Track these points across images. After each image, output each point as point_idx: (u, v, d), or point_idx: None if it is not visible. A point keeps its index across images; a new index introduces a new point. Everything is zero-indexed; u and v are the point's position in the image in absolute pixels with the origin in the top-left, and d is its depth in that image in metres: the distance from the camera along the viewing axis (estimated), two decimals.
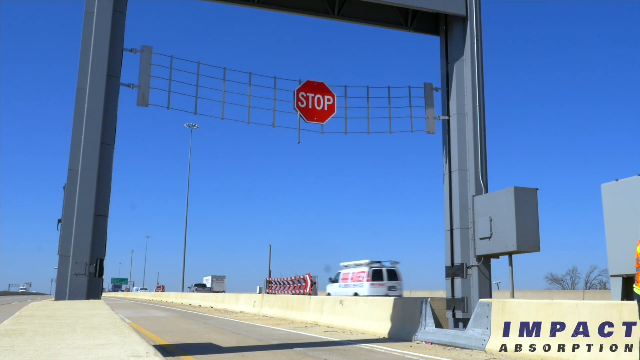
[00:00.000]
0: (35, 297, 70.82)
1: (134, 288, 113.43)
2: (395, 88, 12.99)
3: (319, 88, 12.37)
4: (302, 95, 12.18)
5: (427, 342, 11.94)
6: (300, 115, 12.11)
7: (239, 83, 11.86)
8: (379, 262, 26.87)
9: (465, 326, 11.62)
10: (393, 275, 26.38)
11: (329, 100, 12.36)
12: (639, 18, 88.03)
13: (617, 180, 11.57)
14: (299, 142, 12.15)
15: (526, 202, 11.25)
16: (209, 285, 62.81)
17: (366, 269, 26.29)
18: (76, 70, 10.37)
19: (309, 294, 26.01)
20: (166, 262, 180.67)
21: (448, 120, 13.10)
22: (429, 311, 12.59)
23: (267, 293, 31.87)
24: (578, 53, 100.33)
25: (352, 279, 27.29)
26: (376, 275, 26.01)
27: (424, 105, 13.07)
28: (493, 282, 12.71)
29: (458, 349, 10.85)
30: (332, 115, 12.35)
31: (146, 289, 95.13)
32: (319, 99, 12.28)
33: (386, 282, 25.92)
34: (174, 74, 11.26)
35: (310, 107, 12.18)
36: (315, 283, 27.93)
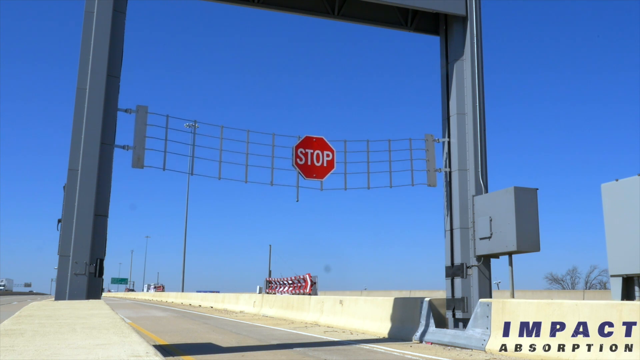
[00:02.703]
0: (35, 297, 70.78)
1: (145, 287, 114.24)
2: (395, 141, 12.74)
3: (318, 144, 12.08)
4: (301, 152, 11.89)
5: (427, 342, 11.94)
6: (299, 173, 11.80)
7: (236, 141, 11.60)
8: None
9: (465, 326, 11.62)
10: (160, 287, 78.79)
11: (328, 155, 12.08)
12: (639, 18, 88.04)
13: (617, 180, 11.56)
14: (297, 201, 11.89)
15: (526, 202, 11.25)
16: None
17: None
18: (76, 70, 10.37)
19: (309, 294, 26.01)
20: (166, 262, 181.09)
21: (449, 173, 12.91)
22: (429, 311, 12.60)
23: (267, 293, 31.87)
24: (578, 53, 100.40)
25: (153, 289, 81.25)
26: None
27: (425, 157, 12.82)
28: (493, 282, 12.71)
29: (458, 349, 10.85)
30: (331, 172, 12.07)
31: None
32: (318, 154, 12.00)
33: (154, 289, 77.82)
34: (170, 134, 10.95)
35: (309, 163, 11.88)
36: (315, 283, 27.94)
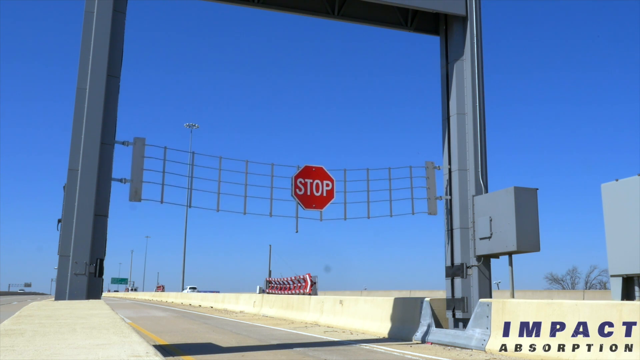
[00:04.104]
0: (35, 297, 70.81)
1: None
2: (395, 169, 12.61)
3: (318, 173, 11.95)
4: (300, 182, 11.75)
5: (427, 342, 11.94)
6: (298, 203, 11.68)
7: (235, 172, 11.47)
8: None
9: (465, 326, 11.62)
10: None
11: (327, 185, 11.94)
12: (639, 18, 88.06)
13: (617, 180, 11.56)
14: (297, 232, 11.78)
15: (526, 202, 11.25)
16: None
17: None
18: (76, 70, 10.37)
19: (309, 294, 26.01)
20: (166, 262, 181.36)
21: (450, 201, 12.74)
22: (428, 311, 12.60)
23: (267, 293, 31.87)
24: (578, 53, 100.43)
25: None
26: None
27: (426, 185, 12.66)
28: (493, 282, 12.71)
29: (458, 349, 10.85)
30: (331, 201, 11.93)
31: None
32: (317, 184, 11.86)
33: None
34: (168, 165, 10.75)
35: (308, 193, 11.74)
36: (315, 283, 27.94)
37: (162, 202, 10.76)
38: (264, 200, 11.64)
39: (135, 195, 10.44)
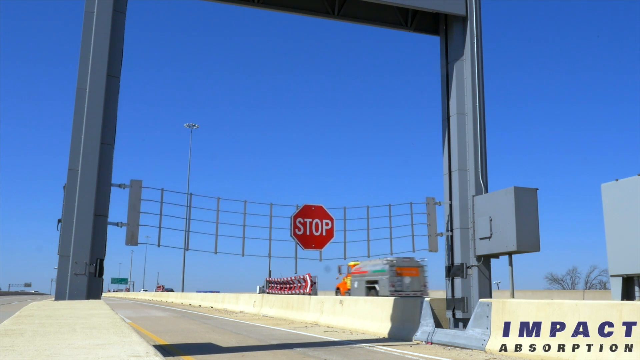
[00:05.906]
0: (35, 297, 70.81)
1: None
2: (396, 205, 12.53)
3: (317, 212, 11.84)
4: (300, 222, 11.64)
5: (427, 342, 11.94)
6: (297, 243, 11.59)
7: (233, 213, 11.36)
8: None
9: (465, 326, 11.62)
10: None
11: (327, 224, 11.85)
12: (639, 18, 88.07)
13: (617, 180, 11.56)
14: (295, 273, 11.85)
15: (526, 202, 11.24)
16: None
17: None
18: (76, 70, 10.36)
19: (309, 294, 26.01)
20: (166, 262, 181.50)
21: (451, 237, 12.60)
22: (429, 311, 12.60)
23: (267, 293, 31.88)
24: (578, 53, 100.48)
25: None
26: None
27: (427, 222, 12.55)
28: (493, 282, 12.71)
29: (458, 349, 10.85)
30: (330, 241, 11.86)
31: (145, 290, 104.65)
32: (317, 224, 11.76)
33: None
34: (165, 207, 10.58)
35: (307, 233, 11.64)
36: (315, 283, 27.97)
37: (159, 245, 10.65)
38: (263, 242, 11.62)
39: (132, 239, 10.31)
